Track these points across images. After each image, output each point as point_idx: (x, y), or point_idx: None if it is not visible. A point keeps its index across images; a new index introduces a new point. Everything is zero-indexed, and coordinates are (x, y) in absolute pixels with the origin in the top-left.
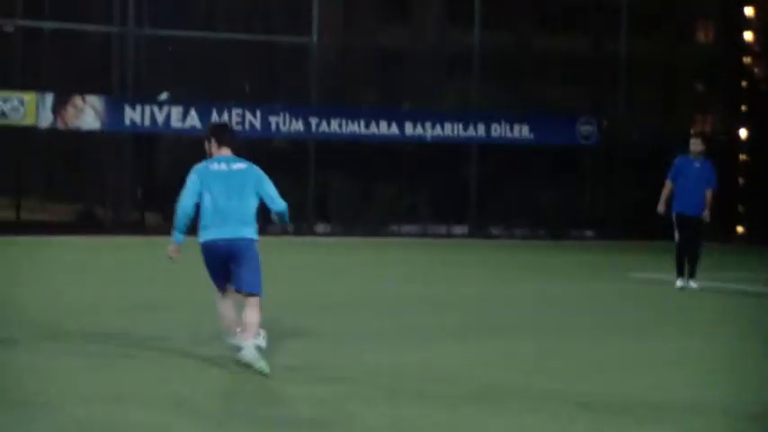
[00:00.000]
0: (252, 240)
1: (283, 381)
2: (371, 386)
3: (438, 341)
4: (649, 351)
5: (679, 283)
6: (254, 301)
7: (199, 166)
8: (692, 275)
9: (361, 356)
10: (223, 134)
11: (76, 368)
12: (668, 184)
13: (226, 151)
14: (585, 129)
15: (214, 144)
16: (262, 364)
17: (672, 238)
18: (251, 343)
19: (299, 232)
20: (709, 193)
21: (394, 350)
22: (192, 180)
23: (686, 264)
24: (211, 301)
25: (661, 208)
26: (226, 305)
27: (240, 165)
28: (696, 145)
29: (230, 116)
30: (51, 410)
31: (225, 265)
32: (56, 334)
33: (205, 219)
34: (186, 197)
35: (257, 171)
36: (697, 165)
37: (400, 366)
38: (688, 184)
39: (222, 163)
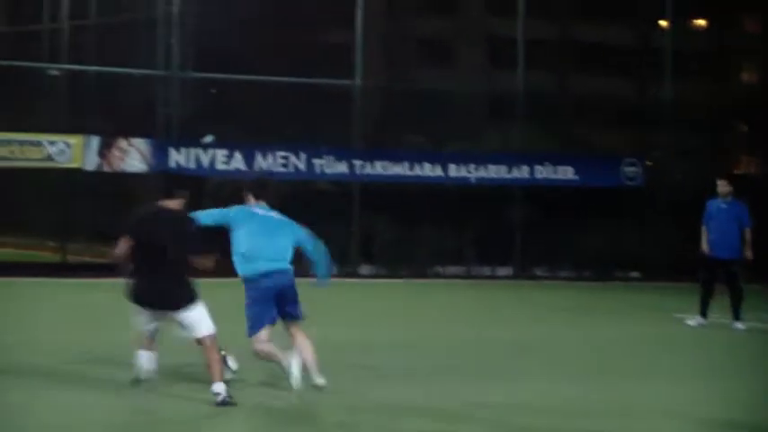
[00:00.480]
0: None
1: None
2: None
3: (479, 383)
4: (696, 393)
5: (693, 321)
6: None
7: (242, 206)
8: (736, 317)
9: (402, 396)
10: (260, 190)
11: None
12: (703, 228)
13: (262, 203)
14: (630, 170)
15: (251, 197)
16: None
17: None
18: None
19: (342, 274)
20: (746, 232)
21: (432, 390)
22: (230, 210)
23: (710, 303)
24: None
25: (704, 248)
26: (268, 344)
27: (275, 213)
28: (723, 186)
29: (274, 159)
30: None
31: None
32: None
33: (248, 253)
34: (210, 215)
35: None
36: (724, 206)
37: (439, 407)
38: (717, 226)
39: (261, 209)
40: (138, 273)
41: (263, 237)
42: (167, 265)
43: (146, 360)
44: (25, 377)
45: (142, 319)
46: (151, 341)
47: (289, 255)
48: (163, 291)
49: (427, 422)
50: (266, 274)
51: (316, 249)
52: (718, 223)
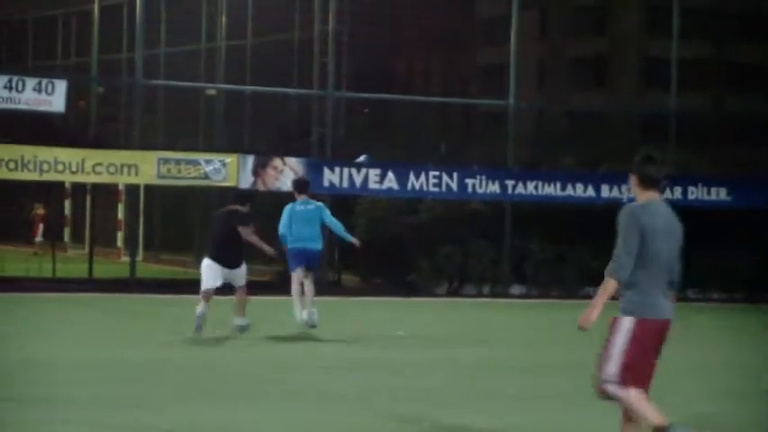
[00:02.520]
0: (318, 249)
1: None
2: None
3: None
4: None
5: None
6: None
7: (288, 206)
8: None
9: (554, 419)
10: (302, 186)
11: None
12: None
13: (305, 197)
14: None
15: (296, 193)
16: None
17: None
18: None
19: (494, 293)
20: None
21: (583, 413)
22: (284, 211)
23: None
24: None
25: None
26: (298, 284)
27: (311, 205)
28: None
29: (427, 178)
30: None
31: (304, 259)
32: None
33: (292, 236)
34: (281, 226)
35: (322, 207)
36: None
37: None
38: None
39: (301, 204)
40: (217, 245)
41: (300, 225)
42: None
43: (202, 310)
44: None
45: (212, 276)
46: (210, 296)
47: (317, 236)
48: (229, 256)
49: None
50: (302, 249)
51: (333, 223)
52: None
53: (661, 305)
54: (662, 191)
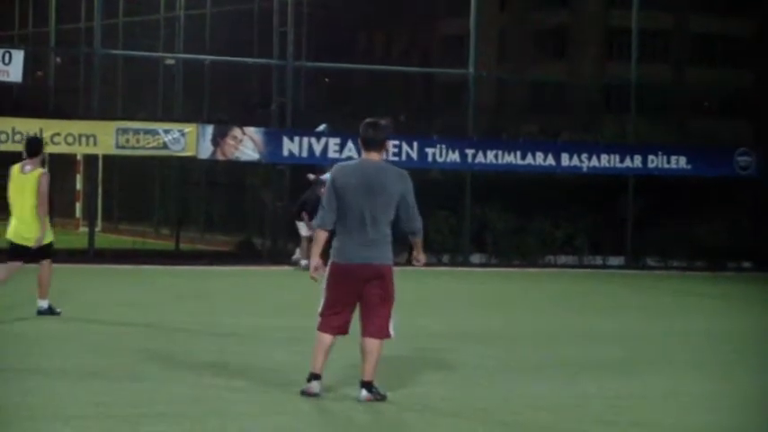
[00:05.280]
0: None
1: (439, 415)
2: (524, 422)
3: (594, 375)
4: None
5: None
6: None
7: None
8: None
9: (518, 390)
10: None
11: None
12: None
13: None
14: (743, 160)
15: None
16: None
17: None
18: None
19: (454, 263)
20: None
21: (551, 384)
22: None
23: None
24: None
25: None
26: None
27: None
28: None
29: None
30: None
31: None
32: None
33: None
34: None
35: None
36: None
37: (555, 400)
38: None
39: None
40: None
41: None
42: None
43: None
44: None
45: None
46: None
47: None
48: None
49: (541, 414)
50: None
51: None
52: None
53: (354, 250)
54: (385, 152)
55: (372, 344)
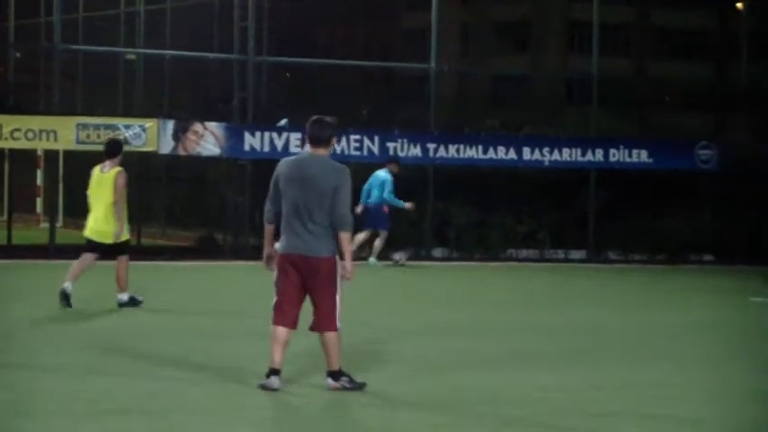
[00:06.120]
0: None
1: (400, 409)
2: (486, 414)
3: (554, 368)
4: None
5: None
6: None
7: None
8: None
9: (480, 383)
10: None
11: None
12: None
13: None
14: (704, 153)
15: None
16: None
17: None
18: None
19: (416, 257)
20: None
21: (510, 376)
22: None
23: None
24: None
25: None
26: None
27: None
28: None
29: (348, 142)
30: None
31: None
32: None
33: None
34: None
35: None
36: None
37: (516, 393)
38: None
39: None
40: None
41: None
42: None
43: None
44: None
45: None
46: None
47: None
48: None
49: (503, 408)
50: None
51: None
52: None
53: (292, 242)
54: (330, 147)
55: (324, 337)
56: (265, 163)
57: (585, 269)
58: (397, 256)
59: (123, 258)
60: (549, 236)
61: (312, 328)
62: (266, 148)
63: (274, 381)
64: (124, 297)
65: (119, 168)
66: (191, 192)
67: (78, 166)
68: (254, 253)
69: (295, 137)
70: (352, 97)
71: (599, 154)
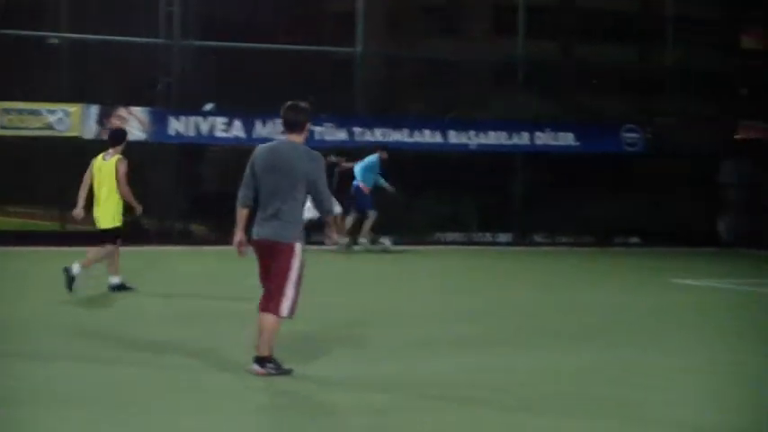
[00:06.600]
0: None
1: (331, 391)
2: (420, 396)
3: (478, 350)
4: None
5: None
6: None
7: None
8: None
9: (409, 366)
10: None
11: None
12: None
13: None
14: (630, 136)
15: None
16: None
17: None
18: None
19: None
20: None
21: (438, 360)
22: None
23: None
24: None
25: None
26: None
27: None
28: None
29: (274, 126)
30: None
31: None
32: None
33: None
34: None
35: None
36: None
37: (445, 375)
38: None
39: None
40: None
41: None
42: None
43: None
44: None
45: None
46: None
47: None
48: None
49: (434, 390)
50: None
51: None
52: None
53: (258, 227)
54: (304, 132)
55: (263, 318)
56: (189, 147)
57: (512, 252)
58: (387, 241)
59: (110, 247)
60: (476, 219)
61: (259, 308)
62: (191, 133)
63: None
64: (116, 280)
65: (119, 156)
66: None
67: (3, 151)
68: (180, 238)
69: (221, 121)
70: (279, 81)
71: (525, 137)
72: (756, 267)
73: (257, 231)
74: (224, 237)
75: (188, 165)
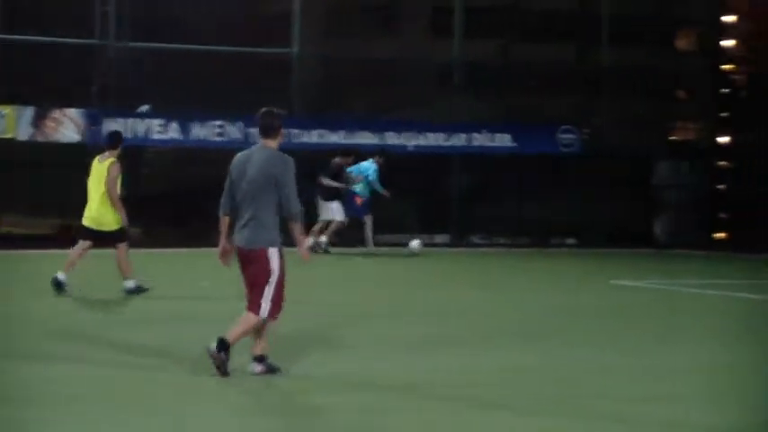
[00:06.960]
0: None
1: (308, 390)
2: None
3: (422, 351)
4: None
5: None
6: None
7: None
8: None
9: (371, 365)
10: None
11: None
12: None
13: None
14: (566, 137)
15: None
16: None
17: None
18: None
19: (283, 243)
20: None
21: (382, 359)
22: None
23: None
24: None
25: None
26: None
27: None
28: None
29: (210, 128)
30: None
31: None
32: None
33: None
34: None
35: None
36: None
37: (397, 375)
38: None
39: None
40: None
41: None
42: None
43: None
44: None
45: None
46: None
47: None
48: None
49: (365, 393)
50: None
51: None
52: None
53: (238, 234)
54: (278, 137)
55: (245, 314)
56: (127, 149)
57: (450, 253)
58: (415, 244)
59: (122, 246)
60: (413, 220)
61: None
62: (128, 134)
63: (254, 366)
64: (130, 284)
65: (113, 159)
66: (54, 180)
67: None
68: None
69: (157, 123)
70: (215, 83)
71: (462, 139)
72: (692, 268)
73: (236, 238)
74: (157, 240)
75: (124, 167)
